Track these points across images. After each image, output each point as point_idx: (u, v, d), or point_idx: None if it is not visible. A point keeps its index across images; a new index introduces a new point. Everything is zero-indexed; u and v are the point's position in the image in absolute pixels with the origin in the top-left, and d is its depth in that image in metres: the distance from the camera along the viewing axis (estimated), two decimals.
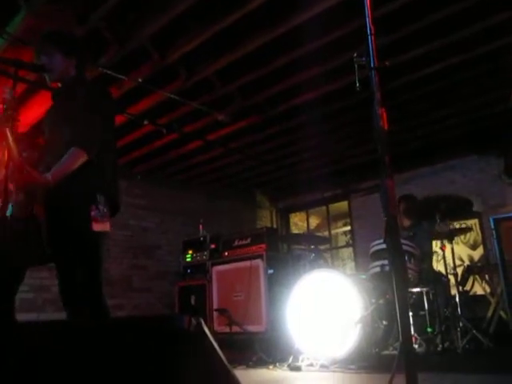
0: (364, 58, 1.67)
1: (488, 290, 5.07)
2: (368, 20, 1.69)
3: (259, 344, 4.30)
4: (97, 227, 1.90)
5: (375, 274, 3.90)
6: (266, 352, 4.02)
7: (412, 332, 3.52)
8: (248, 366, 3.80)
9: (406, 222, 4.57)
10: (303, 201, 8.34)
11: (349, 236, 8.80)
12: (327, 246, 8.01)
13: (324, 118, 5.19)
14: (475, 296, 5.09)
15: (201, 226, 6.11)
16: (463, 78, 4.47)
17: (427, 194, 5.19)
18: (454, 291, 3.90)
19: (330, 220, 8.40)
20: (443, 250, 3.92)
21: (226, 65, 4.00)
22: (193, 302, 5.64)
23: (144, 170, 6.46)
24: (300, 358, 3.65)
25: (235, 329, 4.92)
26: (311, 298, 3.80)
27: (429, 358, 3.42)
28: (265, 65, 4.05)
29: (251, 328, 4.90)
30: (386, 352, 3.71)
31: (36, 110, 4.23)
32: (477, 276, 5.09)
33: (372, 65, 1.65)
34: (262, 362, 3.85)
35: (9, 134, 1.80)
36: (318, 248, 4.42)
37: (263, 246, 5.21)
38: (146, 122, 4.86)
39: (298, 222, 9.09)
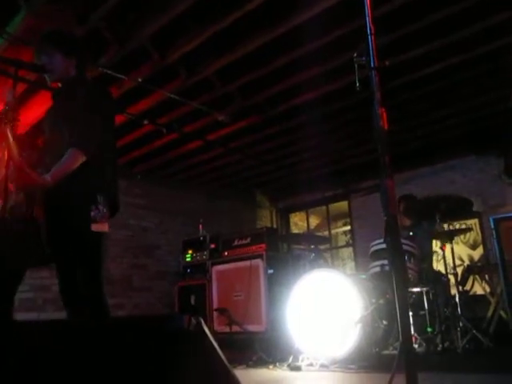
0: (364, 58, 1.67)
1: (488, 289, 5.07)
2: (368, 20, 1.69)
3: (259, 344, 4.30)
4: (95, 228, 1.90)
5: (375, 274, 3.90)
6: (266, 352, 4.02)
7: (412, 332, 3.52)
8: (248, 366, 3.80)
9: (406, 222, 4.58)
10: (303, 201, 8.34)
11: (349, 236, 8.80)
12: (327, 245, 8.02)
13: (324, 118, 5.19)
14: (475, 296, 5.09)
15: (201, 226, 6.12)
16: (463, 78, 4.47)
17: (427, 194, 5.20)
18: (453, 291, 3.90)
19: (329, 220, 8.40)
20: (443, 250, 3.92)
21: (226, 65, 3.99)
22: (193, 301, 5.64)
23: (144, 169, 6.46)
24: (300, 358, 3.65)
25: (235, 328, 4.92)
26: (311, 298, 3.81)
27: (429, 358, 3.42)
28: (265, 65, 4.05)
29: (251, 328, 4.90)
30: (386, 352, 3.71)
31: (36, 109, 4.23)
32: (477, 276, 5.09)
33: (372, 64, 1.65)
34: (261, 362, 3.85)
35: (9, 134, 1.80)
36: (318, 248, 4.42)
37: (263, 245, 5.21)
38: (145, 122, 4.86)
39: (298, 222, 9.09)
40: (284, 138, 5.76)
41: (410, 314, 3.49)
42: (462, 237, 6.30)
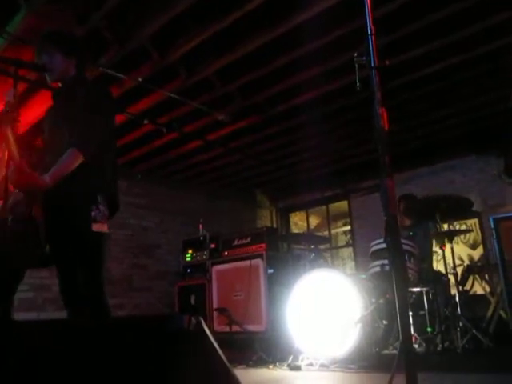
0: (364, 58, 1.67)
1: (488, 289, 5.07)
2: (368, 20, 1.69)
3: (259, 343, 4.30)
4: (96, 228, 1.90)
5: (375, 274, 3.90)
6: (266, 351, 4.02)
7: (412, 332, 3.52)
8: (248, 366, 3.81)
9: (406, 222, 4.58)
10: (303, 200, 8.34)
11: (349, 236, 8.80)
12: (327, 245, 8.02)
13: (324, 118, 5.19)
14: (475, 296, 5.09)
15: (201, 226, 6.12)
16: (463, 78, 4.47)
17: (427, 194, 5.19)
18: (453, 291, 3.90)
19: (329, 220, 8.41)
20: (443, 250, 3.92)
21: (226, 64, 3.99)
22: (193, 301, 5.64)
23: (144, 169, 6.46)
24: (300, 358, 3.65)
25: (235, 328, 4.93)
26: (311, 298, 3.81)
27: (429, 358, 3.42)
28: (265, 65, 4.05)
29: (251, 327, 4.90)
30: (385, 351, 3.71)
31: (36, 109, 4.23)
32: (477, 276, 5.09)
33: (372, 64, 1.65)
34: (261, 362, 3.85)
35: (10, 135, 1.80)
36: (318, 248, 4.42)
37: (263, 245, 5.21)
38: (146, 122, 4.86)
39: (298, 222, 9.09)
40: (284, 137, 5.76)
41: (410, 313, 3.49)
42: (461, 237, 6.30)
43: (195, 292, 5.66)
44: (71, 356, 1.19)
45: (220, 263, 5.56)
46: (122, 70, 3.94)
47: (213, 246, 5.76)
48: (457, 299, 3.76)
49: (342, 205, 7.99)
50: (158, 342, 1.19)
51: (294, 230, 8.79)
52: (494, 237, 3.95)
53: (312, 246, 4.38)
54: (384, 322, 3.78)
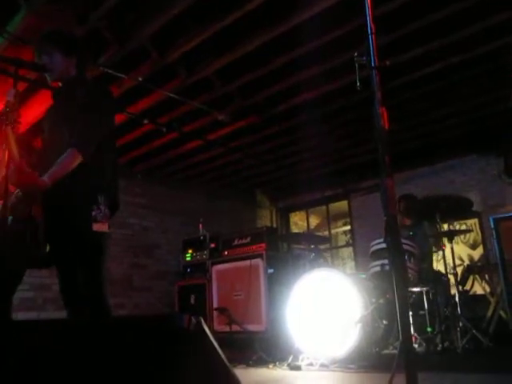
0: (364, 58, 1.67)
1: (488, 289, 5.07)
2: (369, 19, 1.69)
3: (259, 343, 4.30)
4: (96, 227, 1.90)
5: (375, 274, 3.90)
6: (266, 351, 4.02)
7: (412, 331, 3.52)
8: (248, 365, 3.80)
9: (406, 222, 4.58)
10: (303, 200, 8.34)
11: (349, 235, 8.80)
12: (327, 245, 8.02)
13: (324, 118, 5.19)
14: (475, 296, 5.09)
15: (200, 225, 6.12)
16: (463, 78, 4.47)
17: (427, 194, 5.19)
18: (453, 291, 3.90)
19: (329, 219, 8.41)
20: (443, 250, 3.92)
21: (226, 64, 3.99)
22: (193, 301, 5.64)
23: (144, 169, 6.46)
24: (300, 358, 3.65)
25: (235, 328, 4.93)
26: (311, 298, 3.81)
27: (429, 358, 3.42)
28: (264, 64, 4.05)
29: (251, 327, 4.90)
30: (386, 351, 3.71)
31: (36, 108, 4.23)
32: (477, 276, 5.09)
33: (373, 64, 1.65)
34: (261, 361, 3.85)
35: (10, 135, 1.80)
36: (318, 247, 4.42)
37: (263, 245, 5.21)
38: (145, 121, 4.86)
39: (298, 222, 9.09)
40: (284, 137, 5.76)
41: (410, 313, 3.49)
42: (461, 237, 6.30)
43: (195, 292, 5.66)
44: (71, 356, 1.18)
45: (220, 263, 5.56)
46: (121, 69, 3.94)
47: (213, 245, 5.76)
48: (457, 299, 3.76)
49: (342, 205, 7.99)
50: (158, 342, 1.19)
51: (294, 229, 8.79)
52: (494, 237, 3.95)
53: (312, 246, 4.38)
54: (384, 321, 3.78)
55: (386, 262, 3.74)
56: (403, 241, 3.67)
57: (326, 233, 8.39)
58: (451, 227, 4.10)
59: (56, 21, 3.27)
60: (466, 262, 6.12)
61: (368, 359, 3.44)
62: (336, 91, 4.55)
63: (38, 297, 5.18)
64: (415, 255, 3.89)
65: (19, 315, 4.68)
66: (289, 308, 3.94)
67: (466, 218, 6.19)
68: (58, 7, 3.22)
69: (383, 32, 3.54)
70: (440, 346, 3.54)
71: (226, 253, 5.59)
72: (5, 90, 1.90)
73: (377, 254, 3.96)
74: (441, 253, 3.96)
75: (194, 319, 1.19)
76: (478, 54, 3.98)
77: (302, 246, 4.79)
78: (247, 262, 5.20)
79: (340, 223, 9.58)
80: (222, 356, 1.25)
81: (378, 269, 3.83)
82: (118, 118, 4.46)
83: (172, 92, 4.33)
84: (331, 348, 3.54)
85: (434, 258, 4.63)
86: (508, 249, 3.87)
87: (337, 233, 9.79)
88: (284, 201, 8.65)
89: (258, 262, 5.13)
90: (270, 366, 3.67)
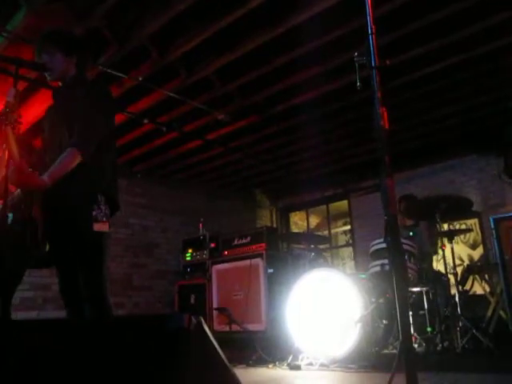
0: (365, 57, 1.66)
1: (488, 289, 5.07)
2: (369, 19, 1.69)
3: (259, 343, 4.30)
4: (97, 227, 1.90)
5: (375, 273, 3.90)
6: (266, 351, 4.02)
7: (412, 331, 3.52)
8: (248, 365, 3.81)
9: (407, 222, 4.58)
10: (303, 200, 8.34)
11: (349, 235, 8.80)
12: (327, 245, 8.01)
13: (324, 118, 5.19)
14: (475, 295, 5.09)
15: (201, 225, 6.12)
16: (463, 78, 4.47)
17: (427, 194, 5.19)
18: (453, 291, 3.90)
19: (329, 219, 8.40)
20: (443, 250, 3.92)
21: (226, 64, 3.99)
22: (192, 300, 5.64)
23: (144, 168, 6.46)
24: (300, 357, 3.65)
25: (235, 328, 4.93)
26: (311, 297, 3.81)
27: (428, 358, 3.41)
28: (265, 64, 4.05)
29: (251, 327, 4.90)
30: (385, 351, 3.71)
31: (37, 108, 4.23)
32: (476, 276, 5.09)
33: (373, 64, 1.64)
34: (261, 361, 3.85)
35: (10, 135, 1.80)
36: (318, 247, 4.42)
37: (263, 245, 5.21)
38: (146, 121, 4.87)
39: (298, 221, 9.08)
40: (284, 137, 5.76)
41: (410, 313, 3.49)
42: (461, 237, 6.30)
43: (195, 291, 5.66)
44: (71, 355, 1.18)
45: (220, 263, 5.56)
46: (121, 69, 3.94)
47: (213, 245, 5.76)
48: (457, 299, 3.75)
49: (342, 204, 7.99)
50: (157, 342, 1.19)
51: (294, 229, 8.79)
52: (494, 237, 3.95)
53: (312, 246, 4.37)
54: (384, 321, 3.78)
55: (386, 261, 3.74)
56: (403, 241, 3.67)
57: (326, 233, 8.39)
58: (451, 227, 4.09)
59: (56, 20, 3.27)
60: (466, 262, 6.12)
61: (368, 359, 3.44)
62: (336, 91, 4.55)
63: (37, 296, 5.18)
64: (415, 255, 3.89)
65: (19, 315, 4.68)
66: (289, 308, 3.94)
67: (466, 218, 6.19)
68: (58, 7, 3.22)
69: (384, 32, 3.54)
70: (440, 345, 3.53)
71: (225, 252, 5.59)
72: (5, 90, 1.90)
73: (377, 254, 3.96)
74: (441, 252, 3.95)
75: (194, 319, 1.18)
76: (478, 54, 3.97)
77: (301, 246, 4.79)
78: (247, 262, 5.21)
79: (340, 223, 9.58)
80: (222, 356, 1.25)
81: (378, 269, 3.83)
82: (118, 118, 4.46)
83: (172, 92, 4.33)
84: (331, 348, 3.54)
85: (434, 258, 4.63)
86: (508, 249, 3.86)
87: (337, 233, 9.79)
88: (284, 201, 8.65)
89: (258, 261, 5.13)
90: (270, 366, 3.68)
